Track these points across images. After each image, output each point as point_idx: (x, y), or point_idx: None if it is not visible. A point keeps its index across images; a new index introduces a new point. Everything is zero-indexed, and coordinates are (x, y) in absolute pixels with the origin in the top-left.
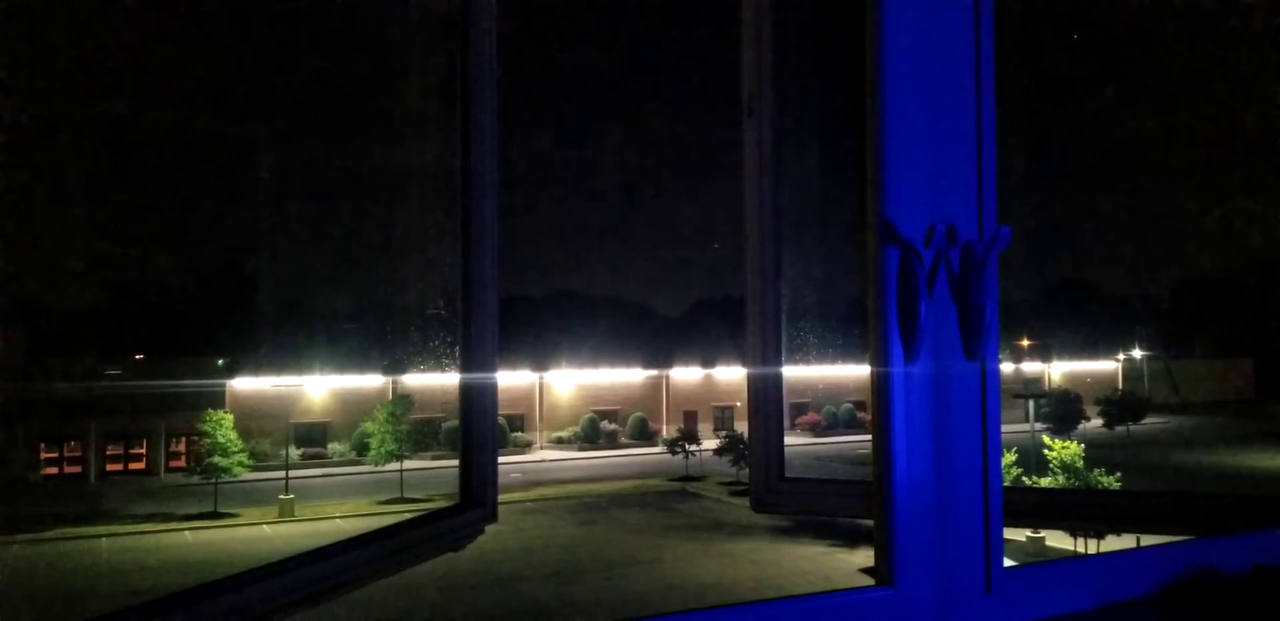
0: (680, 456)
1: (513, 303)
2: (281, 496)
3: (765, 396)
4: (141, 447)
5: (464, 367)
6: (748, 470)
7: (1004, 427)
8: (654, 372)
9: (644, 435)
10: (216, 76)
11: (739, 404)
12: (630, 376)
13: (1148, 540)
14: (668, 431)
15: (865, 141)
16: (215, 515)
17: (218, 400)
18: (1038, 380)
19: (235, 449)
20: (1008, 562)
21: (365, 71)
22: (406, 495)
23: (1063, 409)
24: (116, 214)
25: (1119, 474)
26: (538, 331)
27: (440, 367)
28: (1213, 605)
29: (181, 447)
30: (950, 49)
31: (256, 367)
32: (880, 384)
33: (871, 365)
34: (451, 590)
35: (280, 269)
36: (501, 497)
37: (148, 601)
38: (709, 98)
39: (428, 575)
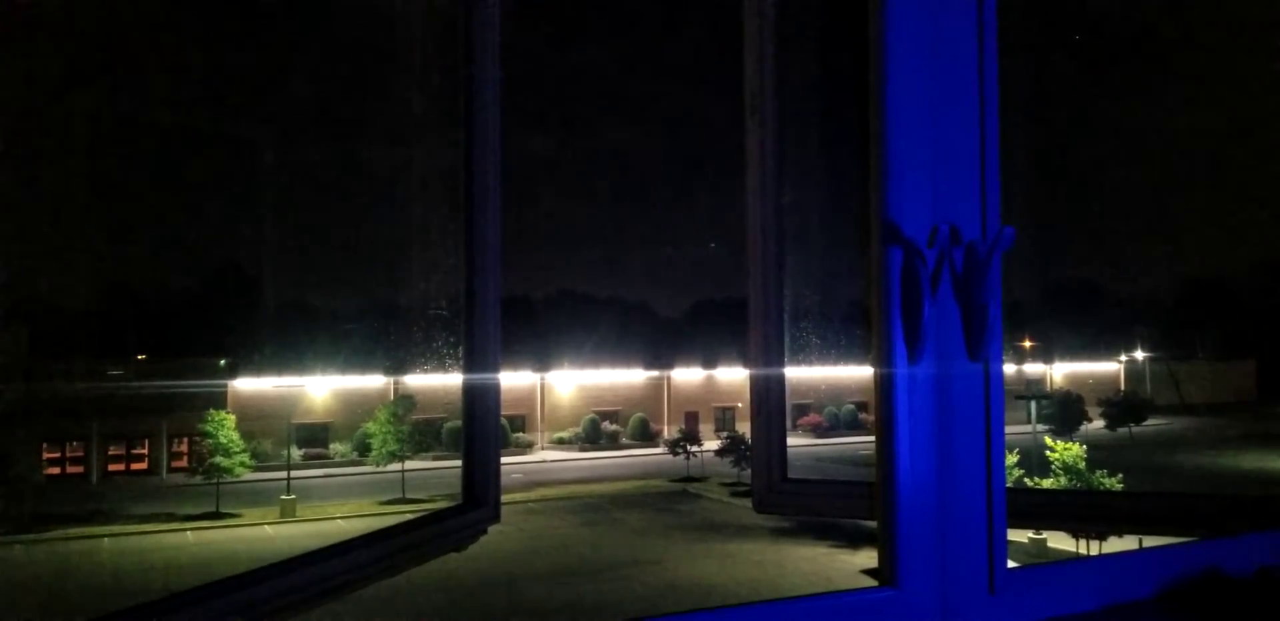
0: (681, 457)
1: (514, 303)
2: (283, 497)
3: (767, 397)
4: (143, 448)
5: (466, 368)
6: (749, 471)
7: (1006, 429)
8: (655, 373)
9: (645, 436)
10: (219, 77)
11: (740, 405)
12: (631, 377)
13: (1150, 541)
14: (669, 432)
15: (868, 141)
16: (217, 515)
17: (219, 400)
18: (1040, 381)
19: (237, 449)
20: (1010, 564)
21: (367, 71)
22: (408, 495)
23: (1065, 410)
24: (119, 214)
25: (1121, 475)
26: (539, 332)
27: (442, 368)
28: (1216, 607)
29: (183, 448)
30: (953, 49)
31: (258, 368)
32: (883, 385)
33: (874, 366)
34: (454, 590)
35: (282, 269)
36: (503, 498)
37: (150, 601)
38: (711, 98)
39: (430, 575)
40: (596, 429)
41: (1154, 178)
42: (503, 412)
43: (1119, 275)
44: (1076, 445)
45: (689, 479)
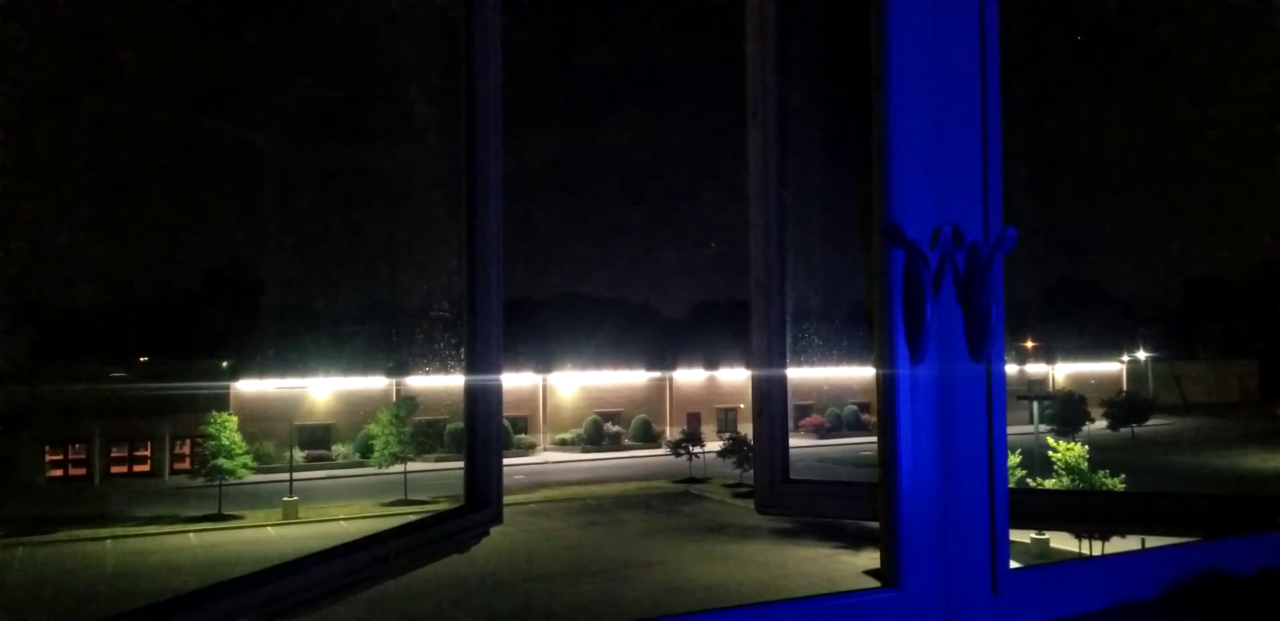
0: (684, 458)
1: (517, 304)
2: (285, 498)
3: (769, 398)
4: (146, 450)
5: (469, 369)
6: (751, 472)
7: (1008, 429)
8: (657, 374)
9: (647, 437)
10: (222, 78)
11: (743, 405)
12: (634, 378)
13: (1153, 542)
14: (671, 433)
15: (870, 143)
16: (220, 517)
17: (222, 402)
18: (1042, 382)
19: (239, 451)
20: (1013, 564)
21: (371, 73)
22: (411, 497)
23: (1067, 410)
24: (121, 216)
25: (1124, 475)
26: (541, 333)
27: (444, 369)
28: (1219, 607)
29: (186, 450)
30: (955, 51)
31: (261, 369)
32: (885, 386)
33: (876, 367)
34: (457, 592)
35: (284, 271)
36: (506, 499)
37: (153, 603)
38: (713, 99)
39: (433, 577)
40: (599, 430)
41: (1156, 177)
42: (505, 414)
43: (1121, 275)
44: (1079, 445)
45: (691, 480)
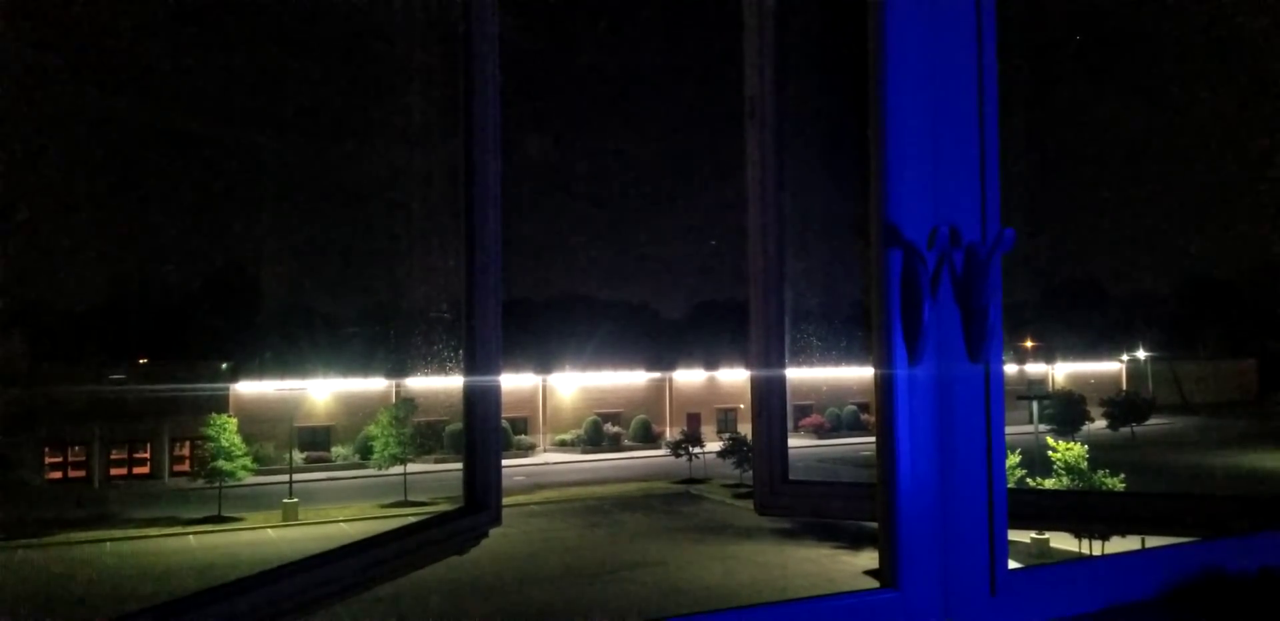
0: (683, 459)
1: (516, 305)
2: (285, 500)
3: (769, 398)
4: (145, 452)
5: (468, 370)
6: (751, 472)
7: (1008, 429)
8: (657, 375)
9: (647, 437)
10: (222, 80)
11: (742, 406)
12: (633, 379)
13: (1152, 542)
14: (671, 434)
15: (868, 143)
16: (219, 519)
17: (221, 404)
18: (1042, 381)
19: (239, 453)
20: (1012, 565)
21: (368, 76)
22: (410, 498)
23: (1066, 410)
24: (121, 218)
25: (1123, 475)
26: (541, 334)
27: (444, 371)
28: (1219, 607)
29: (185, 452)
30: (952, 50)
31: (260, 371)
32: (884, 386)
33: (875, 367)
34: (456, 593)
35: (284, 272)
36: (505, 500)
37: (154, 605)
38: (711, 99)
39: (432, 578)
40: (598, 431)
41: (1155, 177)
42: (504, 415)
43: (1120, 275)
44: (1078, 445)
45: (691, 480)
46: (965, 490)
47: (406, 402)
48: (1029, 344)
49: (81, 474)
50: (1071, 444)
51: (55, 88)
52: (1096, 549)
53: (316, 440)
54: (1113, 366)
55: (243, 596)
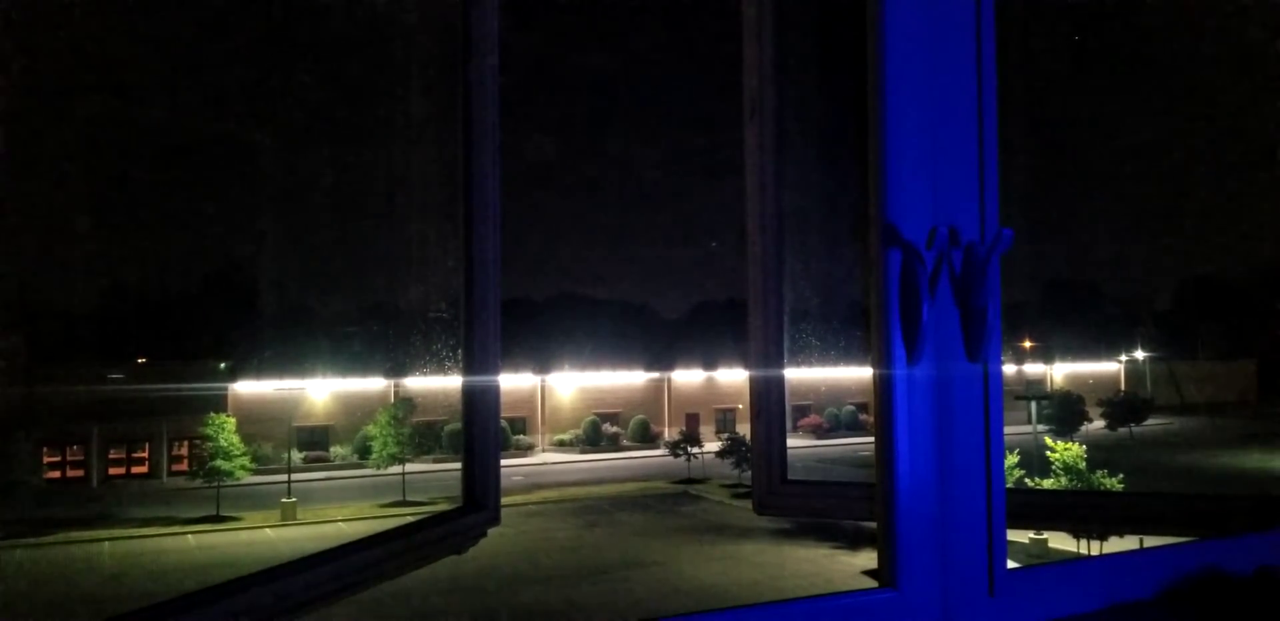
0: (682, 459)
1: (515, 305)
2: (284, 500)
3: (767, 398)
4: (144, 451)
5: (466, 370)
6: (750, 472)
7: (1006, 429)
8: (656, 375)
9: (646, 438)
10: (220, 79)
11: (741, 406)
12: (632, 379)
13: (1150, 541)
14: (669, 434)
15: (867, 143)
16: (218, 518)
17: (220, 403)
18: (1040, 381)
19: (237, 452)
20: (1011, 564)
21: (368, 75)
22: (409, 498)
23: (1065, 410)
24: (119, 217)
25: (1122, 475)
26: (540, 334)
27: (442, 370)
28: (1217, 606)
29: (184, 451)
30: (952, 50)
31: (259, 371)
32: (882, 386)
33: (874, 367)
34: (455, 593)
35: (282, 271)
36: (504, 500)
37: (152, 604)
38: (711, 99)
39: (431, 578)
40: (597, 431)
41: (1154, 177)
42: (503, 415)
43: (1119, 275)
44: (1077, 445)
45: (690, 480)
46: (964, 490)
47: (405, 402)
48: (1027, 344)
49: (80, 473)
50: (1070, 444)
51: (54, 86)
52: (1095, 549)
53: (315, 440)
54: (1111, 367)
55: (242, 596)
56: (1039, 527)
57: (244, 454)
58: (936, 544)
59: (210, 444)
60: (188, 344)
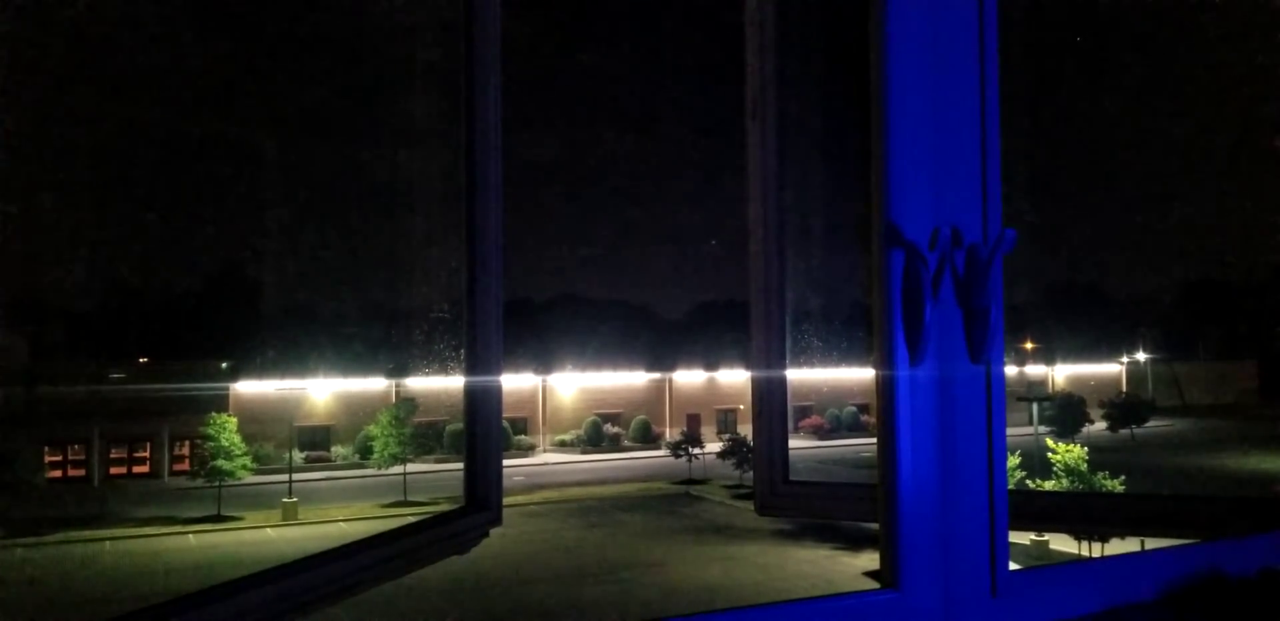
0: (683, 459)
1: (516, 305)
2: (285, 499)
3: (769, 399)
4: (145, 451)
5: (468, 370)
6: (751, 473)
7: (1008, 430)
8: (657, 375)
9: (647, 438)
10: (222, 80)
11: (742, 407)
12: (633, 379)
13: (1152, 543)
14: (671, 434)
15: (869, 144)
16: (219, 518)
17: (221, 403)
18: (1042, 383)
19: (239, 452)
20: (1012, 566)
21: (371, 76)
22: (410, 498)
23: (1066, 412)
24: (121, 217)
25: (1123, 477)
26: (541, 334)
27: (444, 370)
28: (1219, 608)
29: (185, 451)
30: (954, 51)
31: (260, 371)
32: (885, 387)
33: (876, 368)
34: (456, 593)
35: (284, 271)
36: (505, 500)
37: (151, 605)
38: (713, 100)
39: (432, 578)
40: (598, 431)
41: (1155, 178)
42: (505, 415)
43: (1121, 276)
44: (1078, 447)
45: (691, 481)
46: (966, 491)
47: (407, 402)
48: (1029, 345)
49: (81, 472)
50: (1071, 446)
51: (55, 86)
52: (1096, 550)
53: (316, 440)
54: (1113, 368)
55: (242, 596)
56: (1041, 529)
57: (245, 454)
58: (938, 545)
59: (212, 443)
60: (189, 343)
